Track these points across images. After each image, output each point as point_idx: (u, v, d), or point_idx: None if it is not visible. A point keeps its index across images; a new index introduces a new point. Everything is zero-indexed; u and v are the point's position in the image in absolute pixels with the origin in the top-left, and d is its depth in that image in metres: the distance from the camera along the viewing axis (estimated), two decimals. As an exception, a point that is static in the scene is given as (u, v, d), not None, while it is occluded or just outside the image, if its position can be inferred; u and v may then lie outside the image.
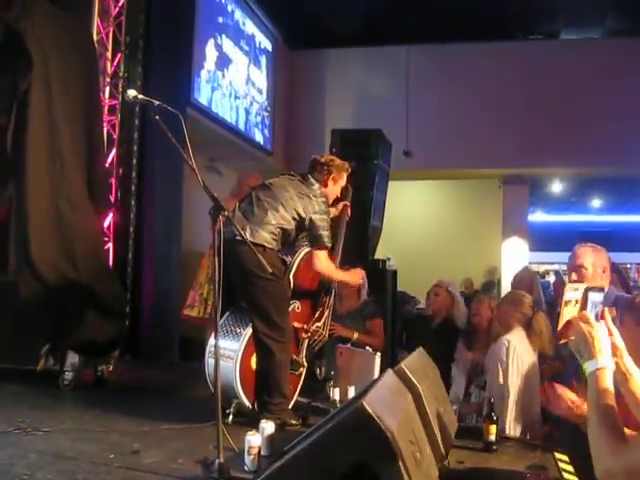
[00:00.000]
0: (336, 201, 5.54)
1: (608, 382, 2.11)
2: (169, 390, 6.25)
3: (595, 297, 2.54)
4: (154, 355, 7.59)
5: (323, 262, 4.93)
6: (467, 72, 12.42)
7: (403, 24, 12.00)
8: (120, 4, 7.79)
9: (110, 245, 7.57)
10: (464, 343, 5.46)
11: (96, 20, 7.52)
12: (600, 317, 2.40)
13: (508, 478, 3.37)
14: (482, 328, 5.37)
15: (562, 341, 2.51)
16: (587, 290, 2.57)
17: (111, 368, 6.24)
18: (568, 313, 2.51)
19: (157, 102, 3.67)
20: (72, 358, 5.81)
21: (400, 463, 2.24)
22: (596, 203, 21.41)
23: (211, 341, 4.61)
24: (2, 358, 5.79)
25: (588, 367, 2.19)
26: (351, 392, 4.70)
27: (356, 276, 5.46)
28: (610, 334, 2.31)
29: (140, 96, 3.76)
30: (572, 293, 2.59)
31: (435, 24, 11.83)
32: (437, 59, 12.68)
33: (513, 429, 4.42)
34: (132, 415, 4.76)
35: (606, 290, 3.86)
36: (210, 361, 4.75)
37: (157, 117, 3.61)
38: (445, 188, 15.28)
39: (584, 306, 2.46)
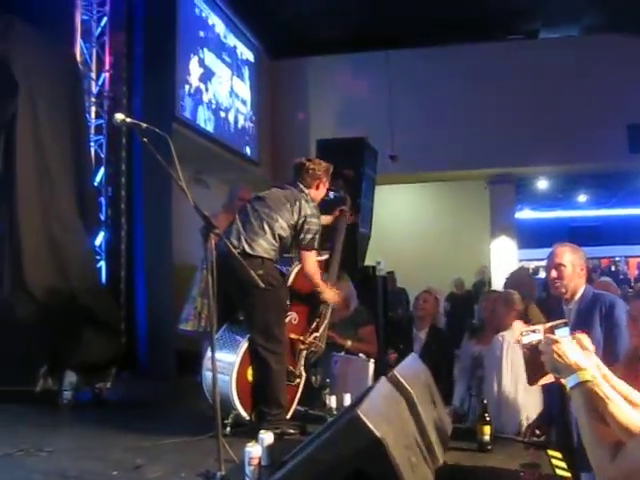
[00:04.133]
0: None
1: (591, 393, 2.08)
2: (167, 404, 6.33)
3: (562, 332, 2.55)
4: (151, 370, 7.65)
5: (311, 263, 5.00)
6: (449, 74, 12.50)
7: (383, 29, 12.08)
8: (102, 24, 7.86)
9: (102, 263, 7.63)
10: (470, 337, 5.49)
11: (79, 41, 7.59)
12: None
13: (502, 477, 3.43)
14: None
15: (538, 384, 2.52)
16: (552, 328, 2.59)
17: (109, 385, 6.28)
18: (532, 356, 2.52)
19: (144, 125, 3.73)
20: (70, 377, 5.87)
21: (396, 470, 2.31)
22: (583, 198, 21.51)
23: (208, 354, 4.68)
24: (1, 380, 5.81)
25: (569, 383, 2.17)
26: (347, 399, 4.78)
27: (331, 295, 5.30)
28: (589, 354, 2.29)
29: (128, 119, 3.82)
30: (531, 336, 2.62)
31: (416, 28, 11.94)
32: (419, 63, 12.74)
33: (509, 426, 4.49)
34: (132, 431, 4.82)
35: (582, 290, 3.99)
36: (207, 374, 4.80)
37: (145, 140, 3.66)
38: (432, 191, 15.39)
39: None
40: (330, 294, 5.29)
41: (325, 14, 11.81)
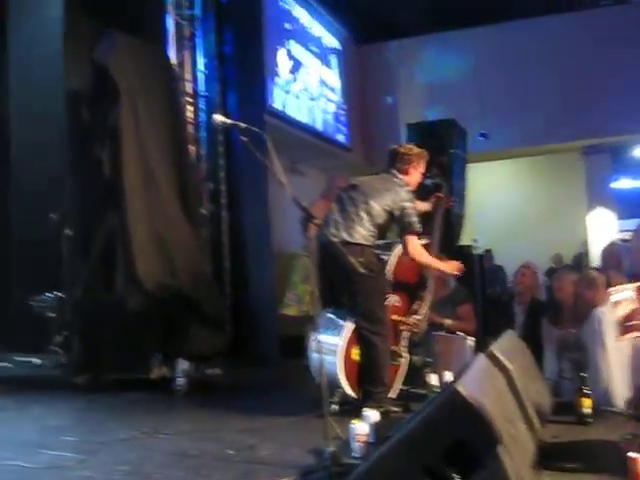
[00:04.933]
0: (427, 193, 5.71)
1: None
2: (274, 387, 6.57)
3: None
4: (257, 355, 7.91)
5: (415, 246, 5.06)
6: (537, 47, 12.29)
7: (468, 5, 11.99)
8: (193, 27, 8.19)
9: (209, 255, 7.98)
10: (550, 320, 5.51)
11: (172, 44, 7.94)
12: None
13: (602, 449, 3.46)
14: (567, 304, 5.42)
15: (627, 337, 2.58)
16: None
17: (219, 371, 6.58)
18: (623, 311, 2.58)
19: (243, 125, 3.92)
20: (182, 364, 6.16)
21: (499, 440, 2.42)
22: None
23: (313, 337, 4.90)
24: (118, 369, 6.26)
25: None
26: (448, 377, 4.90)
27: (451, 266, 5.42)
28: None
29: (227, 120, 4.03)
30: (620, 294, 2.68)
31: (500, 2, 11.81)
32: (505, 37, 12.59)
33: (616, 399, 4.47)
34: (243, 413, 5.07)
35: None
36: (314, 355, 5.00)
37: (245, 138, 3.85)
38: (525, 165, 15.15)
39: None
40: (449, 267, 5.40)
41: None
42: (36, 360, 7.11)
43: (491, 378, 3.03)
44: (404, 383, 5.28)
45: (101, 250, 6.50)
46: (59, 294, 6.86)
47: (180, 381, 6.10)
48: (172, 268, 6.46)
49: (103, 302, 6.49)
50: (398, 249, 5.23)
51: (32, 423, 4.97)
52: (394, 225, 5.14)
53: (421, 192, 5.54)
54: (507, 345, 3.65)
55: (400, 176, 5.18)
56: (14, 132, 7.26)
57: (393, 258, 5.24)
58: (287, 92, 10.26)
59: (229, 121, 4.05)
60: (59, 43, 7.29)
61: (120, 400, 5.78)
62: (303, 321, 6.76)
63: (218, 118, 4.10)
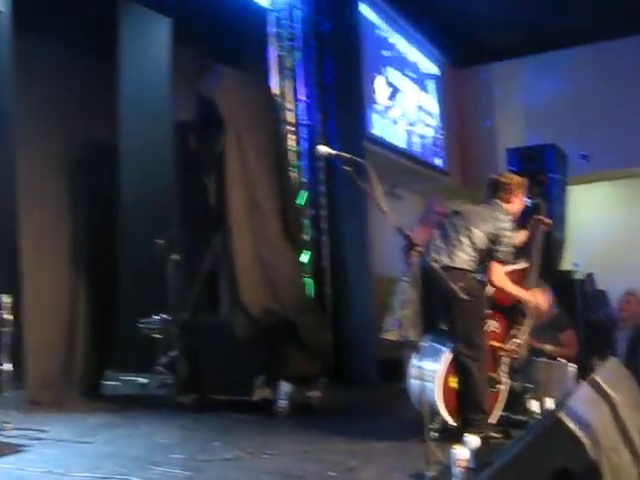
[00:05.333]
0: (526, 215, 5.71)
1: None
2: (374, 410, 6.62)
3: None
4: (356, 378, 8.02)
5: (498, 274, 5.08)
6: (638, 66, 12.01)
7: (567, 26, 11.83)
8: (294, 57, 8.44)
9: (309, 280, 8.17)
10: None
11: (274, 75, 8.21)
12: None
13: None
14: None
15: None
16: None
17: (320, 393, 6.64)
18: None
19: (347, 155, 4.04)
20: (285, 387, 6.29)
21: (600, 470, 2.44)
22: None
23: (413, 362, 4.96)
24: (222, 391, 6.44)
25: None
26: (548, 403, 4.87)
27: (535, 297, 5.40)
28: None
29: (332, 151, 4.16)
30: None
31: (597, 22, 11.60)
32: (604, 57, 12.28)
33: None
34: (344, 435, 5.14)
35: None
36: (413, 382, 5.06)
37: (348, 169, 3.97)
38: (625, 187, 14.69)
39: None
40: (533, 297, 5.37)
41: (504, 18, 11.74)
42: (142, 379, 7.43)
43: (594, 406, 3.02)
44: (504, 409, 5.26)
45: (207, 274, 6.76)
46: (165, 316, 7.16)
47: (282, 403, 6.22)
48: (275, 292, 6.65)
49: (209, 325, 6.75)
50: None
51: (142, 440, 5.19)
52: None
53: (521, 214, 5.53)
54: (610, 373, 3.61)
55: (503, 205, 5.21)
56: (124, 161, 7.63)
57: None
58: (385, 118, 10.38)
59: (333, 152, 4.18)
60: (167, 75, 7.69)
61: (224, 420, 5.96)
62: (402, 345, 6.79)
63: (322, 149, 4.24)
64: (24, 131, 6.66)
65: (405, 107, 11.21)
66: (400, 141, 10.84)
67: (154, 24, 7.85)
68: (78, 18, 6.88)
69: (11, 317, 5.47)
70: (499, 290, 5.23)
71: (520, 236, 5.48)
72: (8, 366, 5.49)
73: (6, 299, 5.44)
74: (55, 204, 7.12)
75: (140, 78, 7.82)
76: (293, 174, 8.02)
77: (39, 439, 5.10)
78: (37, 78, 6.82)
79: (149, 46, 8.00)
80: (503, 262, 5.10)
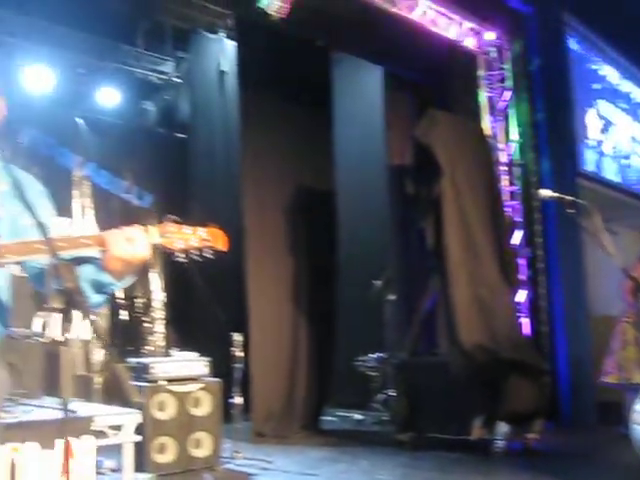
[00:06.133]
0: None
1: None
2: (592, 454, 6.44)
3: None
4: (573, 421, 7.82)
5: None
6: None
7: None
8: (505, 98, 8.52)
9: (526, 320, 8.15)
10: None
11: (486, 116, 8.33)
12: None
13: None
14: None
15: None
16: None
17: (537, 436, 6.54)
18: None
19: (569, 198, 4.09)
20: (503, 427, 6.27)
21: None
22: None
23: (636, 407, 4.81)
24: (439, 429, 6.53)
25: None
26: None
27: None
28: None
29: (554, 194, 4.21)
30: None
31: None
32: None
33: None
34: (562, 479, 5.11)
35: None
36: (636, 427, 4.87)
37: (571, 211, 4.01)
38: None
39: None
40: None
41: None
42: (358, 416, 7.69)
43: None
44: None
45: (425, 315, 6.92)
46: (382, 355, 7.38)
47: (499, 443, 6.20)
48: (492, 332, 6.68)
49: (427, 364, 6.91)
50: None
51: (362, 476, 5.43)
52: None
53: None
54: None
55: None
56: (341, 205, 8.00)
57: None
58: (598, 153, 10.15)
59: (555, 194, 4.23)
60: (380, 122, 8.02)
61: (441, 459, 6.06)
62: (623, 388, 6.59)
63: (544, 192, 4.31)
64: (251, 180, 7.19)
65: (618, 140, 10.90)
66: (613, 175, 10.53)
67: (366, 73, 8.25)
68: (295, 73, 7.35)
69: (242, 354, 5.86)
70: None
71: None
72: (239, 400, 5.85)
73: (237, 337, 5.84)
74: (278, 247, 7.59)
75: (354, 125, 8.22)
76: (507, 214, 8.04)
77: (266, 469, 5.48)
78: (260, 129, 7.35)
79: (362, 94, 8.39)
80: None
